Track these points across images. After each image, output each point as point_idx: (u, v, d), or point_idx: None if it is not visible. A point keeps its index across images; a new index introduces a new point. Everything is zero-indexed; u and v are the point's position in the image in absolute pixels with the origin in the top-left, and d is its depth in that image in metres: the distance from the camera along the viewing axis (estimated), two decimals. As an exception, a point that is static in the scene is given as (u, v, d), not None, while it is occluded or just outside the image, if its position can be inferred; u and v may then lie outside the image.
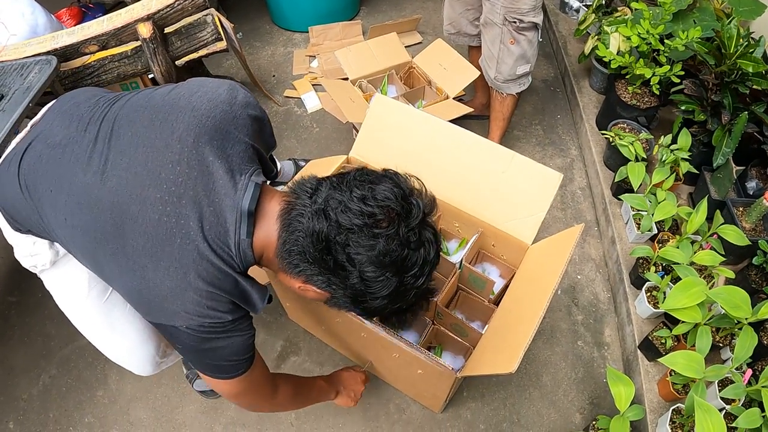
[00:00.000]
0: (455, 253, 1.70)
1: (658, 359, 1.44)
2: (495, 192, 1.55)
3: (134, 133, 0.94)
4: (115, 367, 1.80)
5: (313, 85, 2.71)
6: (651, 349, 1.65)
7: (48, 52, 1.75)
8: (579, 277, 2.03)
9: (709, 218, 1.68)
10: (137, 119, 0.95)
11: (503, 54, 1.99)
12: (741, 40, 1.69)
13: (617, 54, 2.05)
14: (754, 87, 1.71)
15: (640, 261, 1.80)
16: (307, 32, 2.89)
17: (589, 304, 1.95)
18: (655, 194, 1.81)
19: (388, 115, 1.68)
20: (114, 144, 0.94)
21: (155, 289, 0.89)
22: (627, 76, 2.08)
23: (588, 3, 2.23)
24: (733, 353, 1.42)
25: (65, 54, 1.81)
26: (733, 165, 1.80)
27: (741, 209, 1.80)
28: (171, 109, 0.95)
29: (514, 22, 1.90)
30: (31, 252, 1.10)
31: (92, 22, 1.79)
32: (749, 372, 1.43)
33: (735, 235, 1.61)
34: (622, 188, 1.99)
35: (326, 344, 1.85)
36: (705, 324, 1.44)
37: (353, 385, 1.48)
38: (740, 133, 1.72)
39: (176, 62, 2.05)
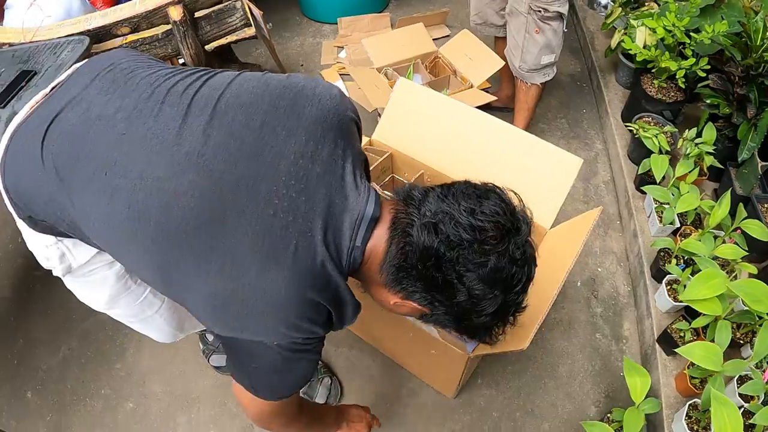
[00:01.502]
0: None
1: (676, 350, 1.41)
2: (515, 176, 1.54)
3: (250, 115, 0.84)
4: (133, 341, 1.84)
5: (340, 74, 2.74)
6: (669, 342, 1.62)
7: (81, 33, 1.80)
8: (599, 269, 2.00)
9: (733, 213, 1.65)
10: (255, 101, 0.85)
11: (528, 43, 1.99)
12: (768, 33, 1.65)
13: (643, 48, 2.03)
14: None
15: (662, 254, 1.77)
16: (336, 24, 2.92)
17: (609, 297, 1.93)
18: (678, 187, 1.78)
19: (411, 99, 1.69)
20: (219, 123, 0.83)
21: (256, 299, 0.78)
22: (653, 70, 2.05)
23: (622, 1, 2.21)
24: (753, 350, 1.38)
25: (98, 35, 1.86)
26: (759, 160, 1.76)
27: (766, 206, 1.75)
28: (297, 96, 0.86)
29: (539, 11, 1.89)
30: (44, 254, 1.01)
31: (124, 5, 1.84)
32: (770, 370, 1.40)
33: (759, 230, 1.57)
34: (645, 181, 1.96)
35: (347, 330, 1.86)
36: (725, 319, 1.41)
37: (357, 424, 1.34)
38: (766, 127, 1.68)
39: (206, 47, 2.09)
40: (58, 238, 0.98)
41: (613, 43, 2.25)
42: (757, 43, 1.66)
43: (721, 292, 1.40)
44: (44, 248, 0.99)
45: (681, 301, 1.65)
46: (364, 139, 1.73)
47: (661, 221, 1.80)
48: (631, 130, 1.97)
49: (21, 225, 0.99)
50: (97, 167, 0.82)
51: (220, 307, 0.80)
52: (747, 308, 1.41)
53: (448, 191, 0.85)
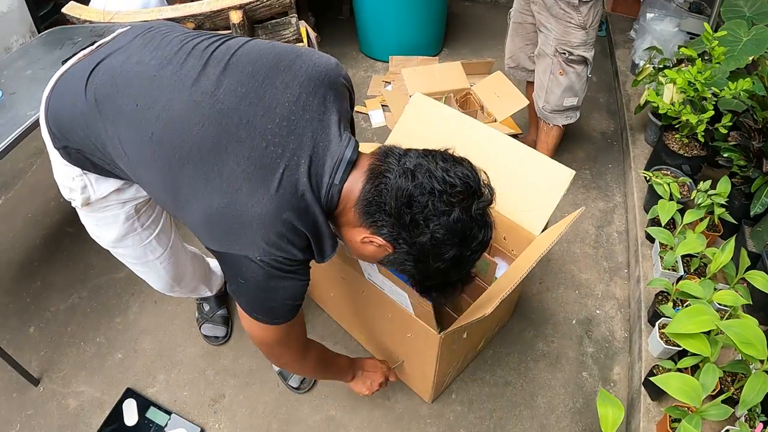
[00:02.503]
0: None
1: (651, 378, 1.37)
2: (510, 184, 1.60)
3: (256, 69, 0.98)
4: (138, 301, 1.96)
5: (382, 105, 2.91)
6: (655, 384, 1.55)
7: (152, 21, 2.06)
8: (598, 312, 1.96)
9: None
10: (261, 59, 1.00)
11: (552, 84, 2.09)
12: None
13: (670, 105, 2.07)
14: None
15: (659, 297, 1.73)
16: (388, 62, 3.13)
17: (603, 339, 1.88)
18: (684, 235, 1.76)
19: (423, 111, 1.81)
20: (230, 73, 0.98)
21: (243, 213, 0.91)
22: (677, 126, 2.08)
23: (658, 66, 2.29)
24: (741, 398, 1.30)
25: (166, 29, 2.12)
26: (773, 216, 1.72)
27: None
28: (296, 58, 1.01)
29: (564, 54, 2.01)
30: (69, 185, 1.17)
31: (194, 3, 2.09)
32: (760, 426, 1.31)
33: (764, 282, 1.51)
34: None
35: (332, 321, 1.90)
36: (714, 363, 1.35)
37: (372, 374, 1.47)
38: (781, 182, 1.66)
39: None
40: (84, 171, 1.14)
41: (642, 100, 2.29)
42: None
43: (709, 329, 1.35)
44: (70, 180, 1.15)
45: (672, 345, 1.60)
46: (374, 146, 1.84)
47: (663, 264, 1.77)
48: (645, 178, 1.98)
49: (54, 156, 1.14)
50: (130, 100, 0.99)
51: (215, 219, 0.94)
52: (740, 358, 1.34)
53: (428, 152, 1.01)
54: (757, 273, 1.52)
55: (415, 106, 1.85)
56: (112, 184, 1.18)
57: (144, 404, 1.68)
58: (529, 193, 1.58)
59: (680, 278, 1.78)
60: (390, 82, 3.06)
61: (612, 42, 3.23)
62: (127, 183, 1.19)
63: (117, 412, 1.66)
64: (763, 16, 2.05)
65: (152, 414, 1.66)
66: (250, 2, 2.06)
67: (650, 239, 2.00)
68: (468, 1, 3.89)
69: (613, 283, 2.05)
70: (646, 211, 2.13)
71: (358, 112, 2.92)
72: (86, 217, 1.27)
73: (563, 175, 1.54)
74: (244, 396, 1.71)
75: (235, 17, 2.09)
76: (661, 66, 2.32)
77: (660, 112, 2.05)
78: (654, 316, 1.72)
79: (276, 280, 0.97)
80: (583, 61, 2.03)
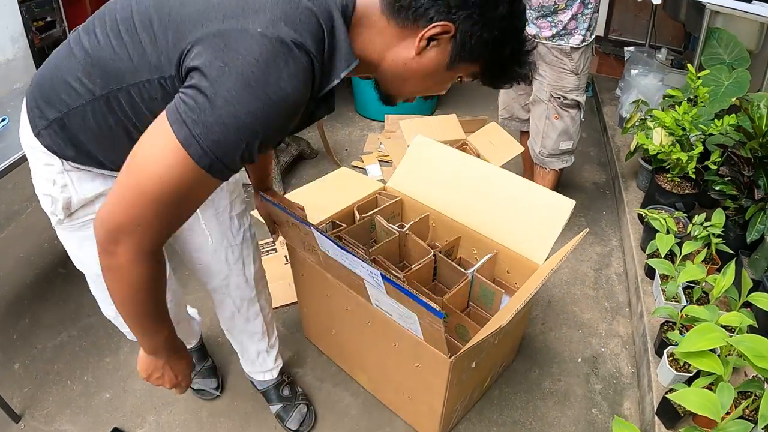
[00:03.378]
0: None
1: (668, 395, 1.32)
2: (512, 216, 1.64)
3: None
4: (130, 341, 1.88)
5: (379, 161, 2.98)
6: (669, 412, 1.50)
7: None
8: (603, 349, 1.92)
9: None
10: None
11: (548, 128, 2.18)
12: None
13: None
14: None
15: (665, 327, 1.71)
16: (384, 122, 3.24)
17: (611, 376, 1.82)
18: (684, 265, 1.77)
19: (425, 152, 1.87)
20: None
21: None
22: (667, 167, 2.15)
23: (644, 116, 2.40)
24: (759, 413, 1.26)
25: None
26: (770, 244, 1.74)
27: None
28: None
29: (559, 98, 2.11)
30: (49, 191, 1.03)
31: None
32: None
33: (766, 302, 1.51)
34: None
35: (331, 363, 1.84)
36: (728, 382, 1.32)
37: (168, 373, 1.07)
38: (775, 209, 1.70)
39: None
40: (65, 161, 0.99)
41: (632, 146, 2.38)
42: (763, 128, 1.75)
43: (720, 345, 1.33)
44: (51, 184, 1.01)
45: (683, 371, 1.56)
46: (378, 185, 1.88)
47: (665, 296, 1.77)
48: (641, 216, 2.02)
49: (34, 157, 1.01)
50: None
51: None
52: (752, 377, 1.31)
53: None
54: (761, 294, 1.52)
55: (416, 147, 1.91)
56: (98, 185, 1.04)
57: (131, 444, 1.57)
58: (531, 224, 1.60)
59: (683, 309, 1.77)
60: (388, 137, 3.15)
61: (599, 100, 3.40)
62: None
63: (102, 452, 1.55)
64: (742, 61, 2.19)
65: (139, 455, 1.55)
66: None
67: (650, 276, 2.01)
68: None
69: (616, 322, 2.03)
70: (644, 250, 2.15)
71: (355, 166, 2.99)
72: (69, 238, 1.12)
73: (564, 204, 1.57)
74: (237, 436, 1.62)
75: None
76: (648, 115, 2.43)
77: (650, 153, 2.13)
78: (661, 347, 1.69)
79: (271, 70, 0.73)
80: (577, 105, 2.13)
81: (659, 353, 1.70)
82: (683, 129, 2.00)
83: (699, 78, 1.99)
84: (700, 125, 1.98)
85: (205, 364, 1.74)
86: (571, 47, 2.02)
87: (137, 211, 0.77)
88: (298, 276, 1.72)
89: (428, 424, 1.58)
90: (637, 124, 2.32)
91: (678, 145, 2.03)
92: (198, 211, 1.17)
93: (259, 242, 2.34)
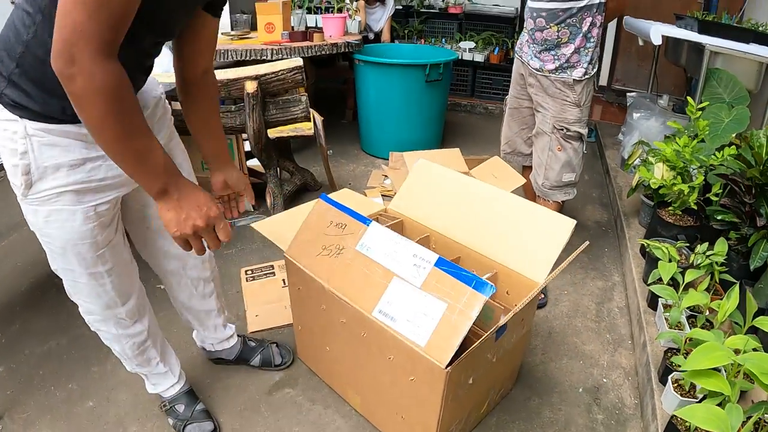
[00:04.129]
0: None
1: (674, 412, 1.27)
2: (513, 237, 1.63)
3: None
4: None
5: (382, 195, 3.01)
6: (675, 439, 1.44)
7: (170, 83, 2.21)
8: (605, 380, 1.85)
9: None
10: None
11: (551, 160, 2.20)
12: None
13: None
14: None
15: (668, 354, 1.66)
16: (388, 159, 3.29)
17: (613, 407, 1.75)
18: (687, 292, 1.73)
19: (426, 175, 1.89)
20: None
21: None
22: (669, 201, 2.15)
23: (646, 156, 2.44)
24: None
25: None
26: (774, 273, 1.72)
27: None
28: None
29: (562, 130, 2.15)
30: (12, 161, 1.05)
31: (218, 71, 2.25)
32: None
33: None
34: (656, 296, 1.92)
35: (324, 385, 1.78)
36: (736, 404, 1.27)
37: (195, 209, 1.02)
38: (778, 237, 1.69)
39: (268, 131, 2.44)
40: (28, 126, 1.02)
41: (634, 182, 2.39)
42: (763, 156, 1.75)
43: (725, 363, 1.29)
44: (14, 154, 1.03)
45: (689, 396, 1.50)
46: (380, 206, 1.89)
47: (668, 324, 1.72)
48: (643, 250, 2.00)
49: (1, 126, 1.02)
50: None
51: None
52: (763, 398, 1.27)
53: None
54: (766, 318, 1.49)
55: (418, 170, 1.92)
56: (57, 153, 1.05)
57: (110, 454, 1.51)
58: (532, 244, 1.59)
59: (687, 334, 1.73)
60: (393, 172, 3.19)
61: (602, 145, 3.46)
62: (77, 160, 1.07)
63: (79, 460, 1.49)
64: (741, 100, 2.23)
65: (118, 465, 1.48)
66: (266, 74, 2.23)
67: (652, 307, 1.97)
68: (464, 112, 4.20)
69: (618, 354, 1.97)
70: (646, 283, 2.12)
71: None
72: (36, 212, 1.11)
73: (565, 224, 1.57)
74: (224, 455, 1.55)
75: (250, 87, 2.25)
76: (649, 153, 2.46)
77: (652, 188, 2.13)
78: (665, 374, 1.63)
79: None
80: (579, 137, 2.16)
81: (663, 381, 1.64)
82: (684, 162, 2.01)
83: (699, 110, 2.02)
84: (700, 157, 2.00)
85: (196, 406, 1.60)
86: (573, 80, 2.07)
87: (72, 21, 0.81)
88: (294, 291, 1.70)
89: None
90: (638, 162, 2.34)
91: (679, 177, 2.04)
92: None
93: (258, 266, 2.34)
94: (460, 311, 1.25)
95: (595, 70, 2.13)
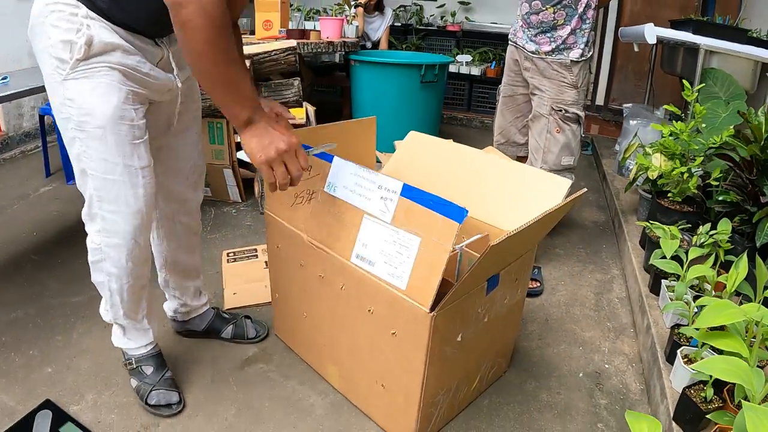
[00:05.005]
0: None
1: (692, 366, 1.15)
2: (507, 200, 1.57)
3: None
4: (85, 324, 1.76)
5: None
6: (688, 410, 1.30)
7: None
8: (607, 366, 1.73)
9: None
10: None
11: (549, 143, 2.16)
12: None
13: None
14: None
15: (675, 331, 1.55)
16: (382, 154, 3.25)
17: (617, 392, 1.62)
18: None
19: (418, 144, 1.84)
20: None
21: None
22: (667, 191, 2.09)
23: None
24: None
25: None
26: (782, 249, 1.63)
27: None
28: None
29: (560, 111, 2.12)
30: (69, 37, 1.08)
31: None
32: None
33: None
34: (658, 280, 1.83)
35: (300, 362, 1.66)
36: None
37: (275, 133, 1.10)
38: (784, 211, 1.61)
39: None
40: (89, 12, 1.07)
41: (631, 175, 2.33)
42: (763, 133, 1.70)
43: (741, 319, 1.19)
44: (70, 33, 1.07)
45: (697, 369, 1.38)
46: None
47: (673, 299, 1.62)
48: (643, 240, 1.92)
49: (53, 7, 1.07)
50: None
51: None
52: None
53: None
54: None
55: (408, 141, 1.87)
56: (113, 35, 1.11)
57: (61, 418, 1.38)
58: (526, 205, 1.50)
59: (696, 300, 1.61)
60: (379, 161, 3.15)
61: (598, 155, 3.43)
62: (131, 48, 1.14)
63: (26, 422, 1.36)
64: (738, 97, 2.20)
65: (67, 430, 1.35)
66: (259, 53, 2.20)
67: (655, 292, 1.87)
68: (460, 125, 4.20)
69: (620, 341, 1.85)
70: (647, 271, 2.03)
71: None
72: (81, 85, 1.11)
73: (561, 183, 1.49)
74: (183, 427, 1.41)
75: (243, 70, 2.22)
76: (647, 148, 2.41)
77: (650, 176, 2.07)
78: (672, 352, 1.51)
79: None
80: (577, 119, 2.13)
81: (670, 360, 1.52)
82: (682, 146, 1.96)
83: (695, 92, 1.99)
84: (699, 140, 1.94)
85: (164, 373, 1.49)
86: (571, 61, 2.07)
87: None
88: (273, 250, 1.61)
89: (404, 422, 1.37)
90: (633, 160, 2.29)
91: (677, 161, 1.98)
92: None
93: (241, 249, 2.25)
94: (434, 244, 1.15)
95: (591, 53, 2.13)
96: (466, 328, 1.30)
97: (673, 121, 2.01)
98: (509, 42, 2.30)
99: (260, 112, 1.09)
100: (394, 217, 1.22)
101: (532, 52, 2.13)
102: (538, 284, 2.13)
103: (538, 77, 2.15)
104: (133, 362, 1.47)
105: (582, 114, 2.14)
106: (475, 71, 4.76)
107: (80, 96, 1.13)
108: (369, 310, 1.31)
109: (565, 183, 1.49)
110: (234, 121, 1.09)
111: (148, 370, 1.47)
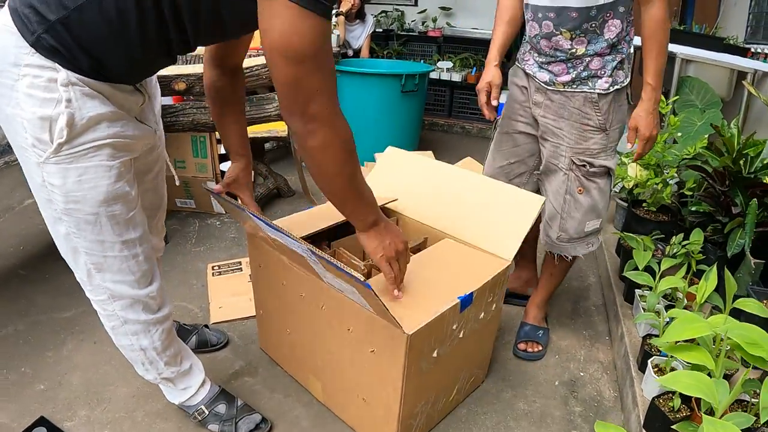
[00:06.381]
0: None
1: (657, 379, 1.21)
2: (480, 217, 1.60)
3: None
4: (76, 340, 1.79)
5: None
6: (657, 419, 1.37)
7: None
8: (582, 374, 1.79)
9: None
10: None
11: (570, 207, 1.66)
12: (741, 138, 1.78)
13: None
14: (764, 179, 1.73)
15: (647, 340, 1.61)
16: (363, 166, 3.28)
17: (591, 399, 1.69)
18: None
19: (394, 160, 1.88)
20: None
21: None
22: (642, 200, 2.15)
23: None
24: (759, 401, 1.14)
25: (159, 84, 2.26)
26: (752, 258, 1.69)
27: (765, 302, 1.60)
28: None
29: (584, 166, 1.61)
30: (49, 112, 0.95)
31: (187, 66, 2.26)
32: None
33: (756, 307, 1.40)
34: (632, 289, 1.89)
35: (285, 375, 1.71)
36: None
37: (394, 236, 1.19)
38: (754, 221, 1.67)
39: (244, 130, 2.44)
40: (70, 74, 0.95)
41: (609, 185, 2.39)
42: (735, 146, 1.76)
43: (706, 334, 1.25)
44: (52, 105, 0.95)
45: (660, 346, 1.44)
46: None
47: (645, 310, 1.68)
48: (618, 247, 1.98)
49: (27, 79, 0.94)
50: None
51: None
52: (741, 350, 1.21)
53: None
54: (749, 300, 1.43)
55: (386, 156, 1.91)
56: (98, 105, 0.99)
57: (55, 435, 1.42)
58: (499, 222, 1.56)
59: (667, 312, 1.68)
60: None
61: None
62: (114, 113, 1.03)
63: (22, 440, 1.40)
64: (714, 105, 2.26)
65: (62, 446, 1.40)
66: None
67: (629, 301, 1.93)
68: (441, 131, 4.25)
69: (595, 349, 1.92)
70: (621, 279, 2.09)
71: None
72: (67, 171, 1.00)
73: (533, 201, 1.54)
74: (174, 441, 1.46)
75: (227, 84, 2.25)
76: (623, 157, 2.47)
77: (626, 186, 2.13)
78: (644, 361, 1.58)
79: None
80: (606, 172, 1.63)
81: (642, 369, 1.59)
82: (657, 157, 2.02)
83: (669, 104, 2.05)
84: (673, 152, 2.00)
85: (237, 402, 1.50)
86: (598, 93, 1.54)
87: (310, 80, 0.89)
88: (255, 269, 1.65)
89: (385, 419, 1.43)
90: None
91: (652, 171, 2.04)
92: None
93: (225, 261, 2.29)
94: (369, 294, 1.13)
95: (628, 79, 1.58)
96: (441, 344, 1.35)
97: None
98: (517, 64, 1.75)
99: (380, 214, 1.17)
100: (325, 268, 1.23)
101: (546, 83, 1.62)
102: (540, 348, 1.85)
103: (552, 117, 1.63)
104: (204, 411, 1.45)
105: (613, 164, 1.62)
106: (456, 77, 4.80)
107: (65, 184, 1.02)
108: (348, 329, 1.36)
109: (537, 200, 1.53)
110: (360, 225, 1.16)
111: (221, 408, 1.46)
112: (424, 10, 5.33)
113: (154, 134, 1.23)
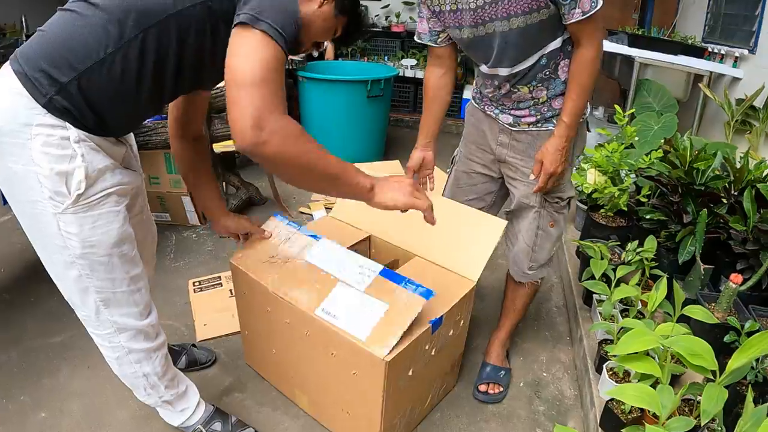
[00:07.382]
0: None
1: (606, 392, 1.35)
2: (448, 239, 1.71)
3: None
4: (70, 365, 1.87)
5: (325, 207, 3.14)
6: (611, 420, 1.53)
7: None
8: (545, 374, 1.96)
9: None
10: None
11: (542, 240, 1.71)
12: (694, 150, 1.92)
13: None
14: (713, 190, 1.87)
15: (603, 344, 1.77)
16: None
17: (553, 398, 1.85)
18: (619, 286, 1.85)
19: None
20: None
21: None
22: (601, 204, 2.30)
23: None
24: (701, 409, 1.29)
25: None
26: (701, 264, 1.84)
27: (713, 305, 1.78)
28: None
29: (557, 202, 1.67)
30: (65, 168, 1.05)
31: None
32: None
33: (702, 314, 1.53)
34: (590, 293, 2.04)
35: (272, 389, 1.83)
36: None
37: (399, 182, 1.27)
38: (704, 230, 1.82)
39: (213, 145, 2.50)
40: (80, 133, 1.06)
41: (571, 188, 2.54)
42: (688, 158, 1.90)
43: (654, 347, 1.38)
44: (66, 161, 1.05)
45: (622, 381, 1.60)
46: (363, 234, 1.90)
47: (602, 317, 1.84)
48: (579, 250, 2.13)
49: (39, 138, 1.03)
50: None
51: None
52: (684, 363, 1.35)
53: None
54: (696, 307, 1.56)
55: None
56: (102, 158, 1.12)
57: (61, 463, 1.52)
58: (465, 244, 1.68)
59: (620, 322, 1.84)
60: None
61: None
62: (115, 164, 1.16)
63: (29, 470, 1.49)
64: (671, 108, 2.41)
65: (68, 474, 1.50)
66: (214, 91, 2.29)
67: (588, 304, 2.09)
68: (406, 127, 4.35)
69: (557, 350, 2.08)
70: (581, 283, 2.24)
71: (302, 212, 3.16)
72: (83, 220, 1.12)
73: (497, 224, 1.66)
74: (169, 459, 1.58)
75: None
76: (583, 162, 2.61)
77: (585, 191, 2.27)
78: (600, 364, 1.74)
79: None
80: (569, 201, 1.71)
81: (599, 371, 1.75)
82: (614, 166, 2.16)
83: (626, 116, 2.18)
84: (629, 161, 2.15)
85: (231, 419, 1.61)
86: None
87: (259, 96, 0.96)
88: (240, 295, 1.75)
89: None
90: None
91: (610, 181, 2.18)
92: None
93: (205, 277, 2.39)
94: (399, 311, 1.36)
95: (588, 109, 1.62)
96: (415, 363, 1.49)
97: (605, 144, 2.20)
98: (473, 103, 1.76)
99: (369, 175, 1.23)
100: (369, 287, 1.43)
101: (510, 125, 1.63)
102: (501, 389, 1.84)
103: (520, 156, 1.64)
104: (202, 430, 1.55)
105: (573, 192, 1.70)
106: (420, 74, 4.86)
107: (83, 231, 1.13)
108: (332, 354, 1.48)
109: (500, 224, 1.65)
110: (362, 196, 1.23)
111: (218, 426, 1.56)
112: (387, 5, 5.31)
113: (140, 177, 1.36)
